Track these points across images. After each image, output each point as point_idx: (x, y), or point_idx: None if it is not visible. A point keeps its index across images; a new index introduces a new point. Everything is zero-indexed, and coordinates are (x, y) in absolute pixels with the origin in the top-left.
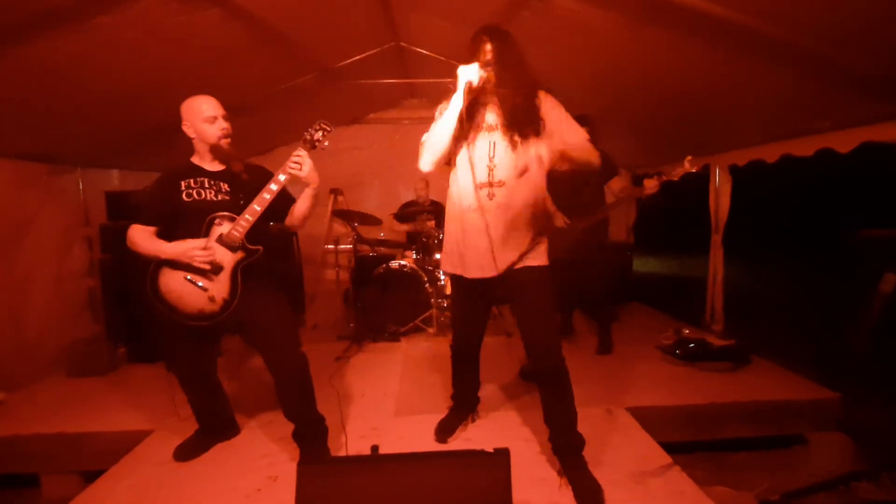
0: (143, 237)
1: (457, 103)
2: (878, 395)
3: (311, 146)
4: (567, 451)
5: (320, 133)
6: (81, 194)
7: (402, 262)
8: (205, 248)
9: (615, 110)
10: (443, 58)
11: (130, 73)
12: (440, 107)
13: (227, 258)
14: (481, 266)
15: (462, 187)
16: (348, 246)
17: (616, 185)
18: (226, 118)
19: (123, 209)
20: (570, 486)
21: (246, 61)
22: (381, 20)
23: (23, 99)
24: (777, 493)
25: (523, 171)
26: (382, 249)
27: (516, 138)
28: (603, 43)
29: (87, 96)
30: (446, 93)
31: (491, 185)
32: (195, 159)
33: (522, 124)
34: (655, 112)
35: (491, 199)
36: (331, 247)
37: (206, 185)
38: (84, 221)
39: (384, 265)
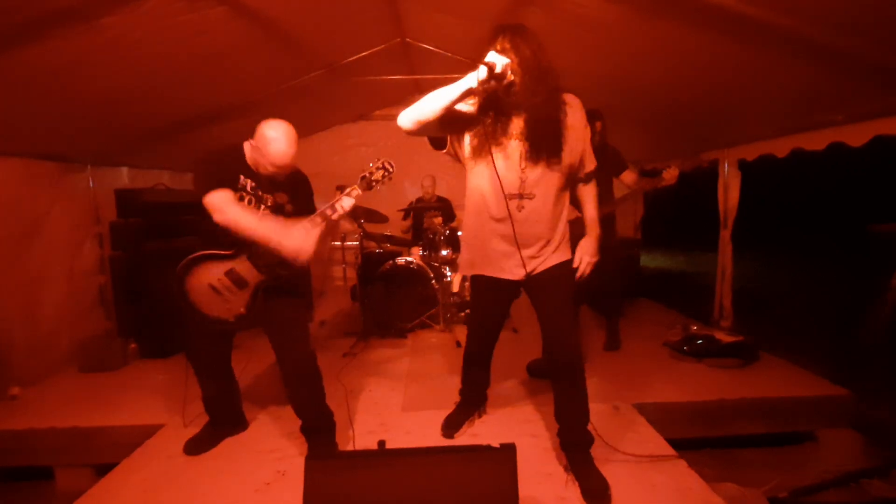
0: (231, 201)
1: (470, 79)
2: (889, 392)
3: (368, 186)
4: (575, 448)
5: (381, 174)
6: (92, 192)
7: (409, 259)
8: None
9: (624, 105)
10: (449, 53)
11: (138, 71)
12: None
13: (252, 276)
14: (507, 269)
15: (489, 195)
16: (355, 242)
17: (628, 179)
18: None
19: (133, 207)
20: (576, 482)
21: (252, 59)
22: (386, 16)
23: (34, 99)
24: (786, 491)
25: (554, 183)
26: (389, 246)
27: (547, 148)
28: (612, 38)
29: (95, 95)
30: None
31: (521, 196)
32: (250, 159)
33: (550, 137)
34: (664, 107)
35: (520, 211)
36: (337, 243)
37: (256, 195)
38: (95, 219)
39: (391, 262)
